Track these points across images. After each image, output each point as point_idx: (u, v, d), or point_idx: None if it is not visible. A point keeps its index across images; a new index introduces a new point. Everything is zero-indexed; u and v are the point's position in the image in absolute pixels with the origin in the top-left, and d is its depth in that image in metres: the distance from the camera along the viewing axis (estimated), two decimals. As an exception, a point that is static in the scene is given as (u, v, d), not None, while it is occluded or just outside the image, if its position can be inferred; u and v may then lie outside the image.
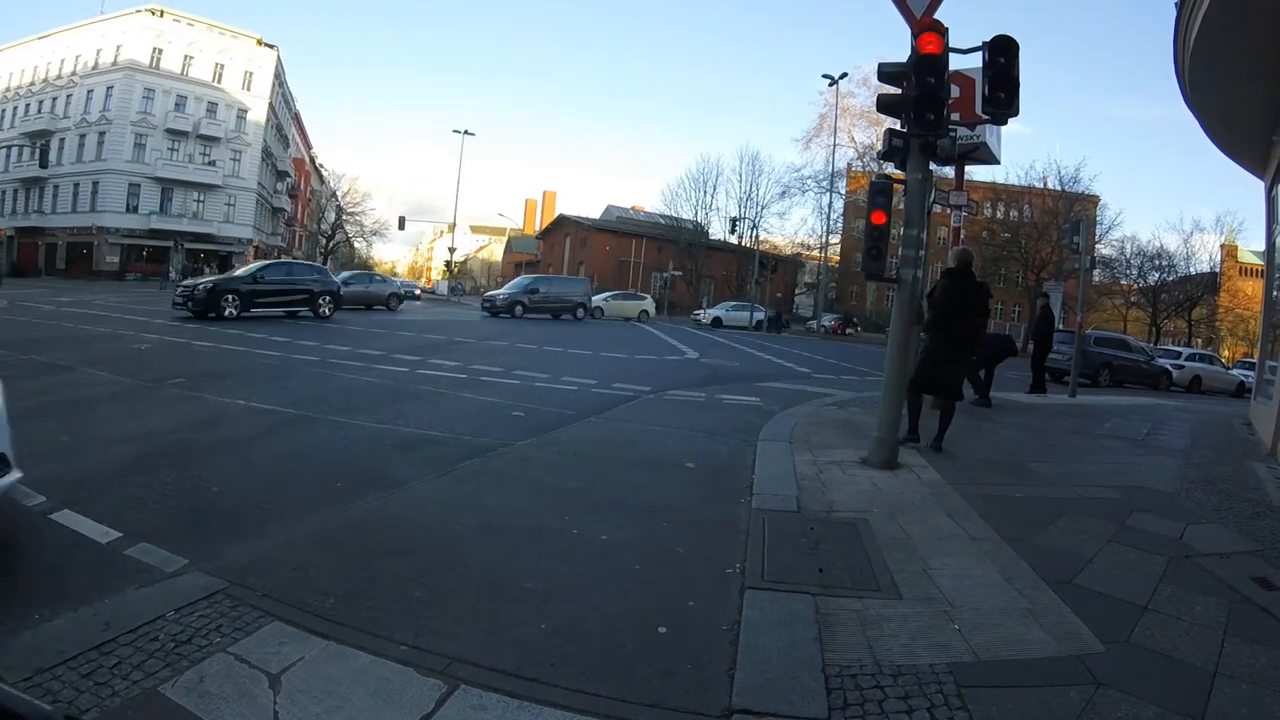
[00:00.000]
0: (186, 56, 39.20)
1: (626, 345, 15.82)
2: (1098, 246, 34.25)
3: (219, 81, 40.45)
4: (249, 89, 41.75)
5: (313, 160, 66.36)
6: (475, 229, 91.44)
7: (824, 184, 41.14)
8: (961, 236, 9.47)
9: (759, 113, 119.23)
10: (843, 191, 43.76)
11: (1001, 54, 4.52)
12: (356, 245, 66.30)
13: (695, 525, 3.57)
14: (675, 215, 47.87)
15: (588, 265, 48.01)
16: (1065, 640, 2.40)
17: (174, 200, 39.00)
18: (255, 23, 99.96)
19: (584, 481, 4.26)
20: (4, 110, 40.80)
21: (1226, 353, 37.78)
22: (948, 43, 4.48)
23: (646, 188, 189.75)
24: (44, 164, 35.88)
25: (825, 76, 35.35)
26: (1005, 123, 5.68)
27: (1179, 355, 21.08)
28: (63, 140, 38.23)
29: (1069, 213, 32.90)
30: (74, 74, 38.56)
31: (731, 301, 36.18)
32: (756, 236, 44.13)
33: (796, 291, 51.32)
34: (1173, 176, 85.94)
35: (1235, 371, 21.82)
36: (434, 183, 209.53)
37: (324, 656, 2.11)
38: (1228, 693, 2.10)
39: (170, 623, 2.24)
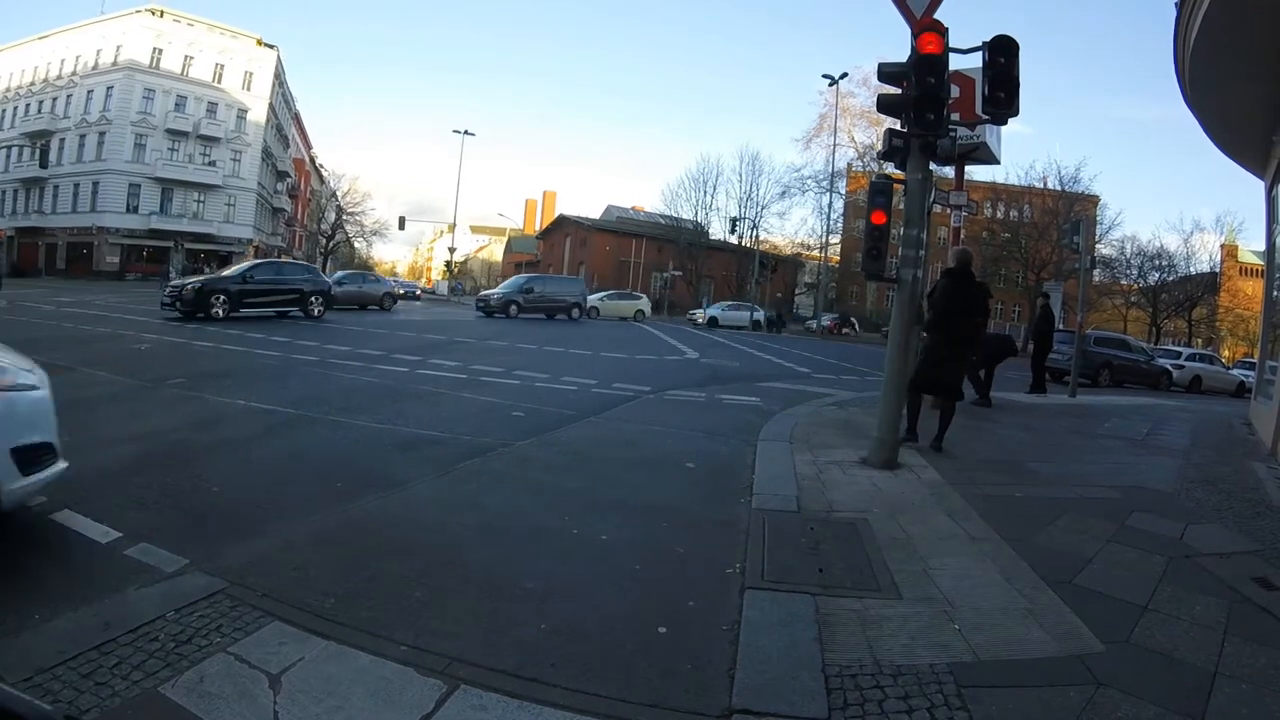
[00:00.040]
0: (186, 57, 39.22)
1: (626, 345, 15.82)
2: (1098, 246, 34.26)
3: (219, 82, 40.46)
4: (249, 89, 41.76)
5: (313, 160, 66.37)
6: (475, 229, 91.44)
7: (824, 184, 41.16)
8: (961, 236, 9.47)
9: (759, 113, 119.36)
10: (843, 191, 43.76)
11: (1001, 54, 4.52)
12: (356, 245, 66.29)
13: (695, 525, 3.57)
14: (675, 215, 47.89)
15: (588, 265, 48.02)
16: (1065, 640, 2.40)
17: (174, 200, 39.02)
18: (255, 23, 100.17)
19: (584, 481, 4.26)
20: (4, 110, 40.81)
21: (1226, 353, 37.78)
22: (948, 43, 4.48)
23: (646, 188, 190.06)
24: (44, 164, 35.88)
25: (825, 76, 35.33)
26: (1005, 123, 5.68)
27: (1179, 355, 21.07)
28: (63, 140, 38.24)
29: (1069, 213, 32.91)
30: (74, 74, 38.57)
31: (727, 301, 36.07)
32: (756, 236, 44.16)
33: (796, 291, 51.34)
34: (1173, 176, 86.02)
35: (1235, 371, 21.82)
36: (434, 183, 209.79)
37: (324, 656, 2.12)
38: (1228, 693, 2.10)
39: (170, 623, 2.24)
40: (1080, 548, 3.36)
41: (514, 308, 23.82)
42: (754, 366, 13.47)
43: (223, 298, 14.31)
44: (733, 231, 42.64)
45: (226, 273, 16.24)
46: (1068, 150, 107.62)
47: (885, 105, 4.87)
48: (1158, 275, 38.81)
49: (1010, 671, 2.19)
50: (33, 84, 40.29)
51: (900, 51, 4.76)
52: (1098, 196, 38.60)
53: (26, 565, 2.62)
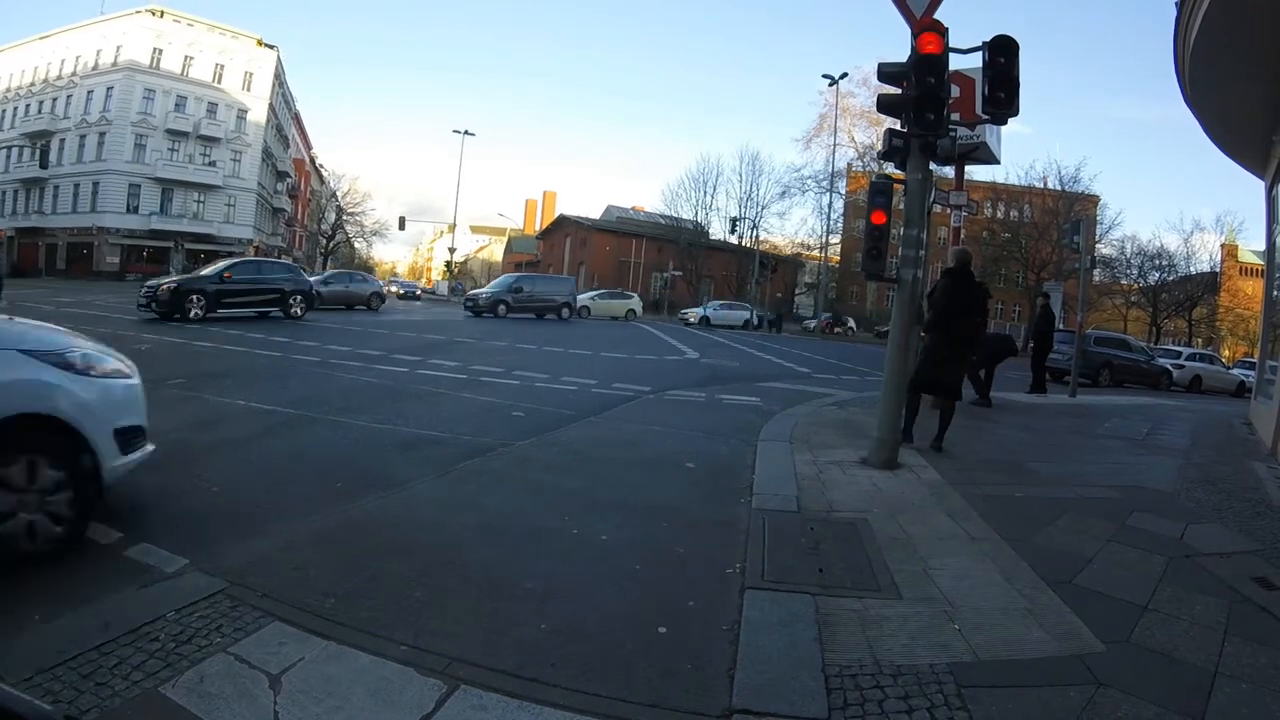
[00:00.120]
0: (186, 57, 39.22)
1: (626, 345, 15.83)
2: (1098, 246, 34.28)
3: (219, 82, 40.46)
4: (249, 89, 41.76)
5: (313, 160, 66.38)
6: (475, 229, 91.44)
7: (824, 184, 41.19)
8: (961, 236, 9.47)
9: (759, 113, 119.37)
10: (843, 191, 43.79)
11: (1001, 54, 4.52)
12: (356, 245, 66.34)
13: (695, 525, 3.57)
14: (675, 215, 47.92)
15: (588, 265, 48.04)
16: (1065, 640, 2.40)
17: (174, 201, 39.02)
18: (255, 23, 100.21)
19: (584, 481, 4.26)
20: (4, 111, 40.82)
21: (1227, 352, 37.78)
22: (948, 43, 4.48)
23: (646, 188, 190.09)
24: (44, 164, 35.86)
25: (825, 76, 35.36)
26: (1005, 123, 5.68)
27: (1179, 355, 21.07)
28: (63, 141, 38.25)
29: (1069, 212, 32.93)
30: (74, 74, 38.58)
31: (720, 300, 35.98)
32: (756, 236, 44.20)
33: (796, 291, 51.37)
34: (1173, 176, 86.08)
35: (1235, 371, 21.81)
36: (434, 183, 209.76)
37: (324, 657, 2.12)
38: (1228, 692, 2.10)
39: (170, 623, 2.24)
40: (1080, 548, 3.36)
41: (503, 308, 23.46)
42: (754, 366, 13.47)
43: (199, 298, 13.84)
44: (733, 231, 42.71)
45: (204, 272, 15.63)
46: (1068, 150, 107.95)
47: (885, 105, 4.87)
48: (1158, 275, 38.85)
49: (1010, 671, 2.19)
50: (33, 84, 40.30)
51: (900, 51, 4.77)
52: (1098, 196, 38.67)
53: (27, 565, 2.62)
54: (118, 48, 37.64)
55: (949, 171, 12.82)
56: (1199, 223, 46.16)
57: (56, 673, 1.93)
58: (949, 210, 9.09)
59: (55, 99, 39.06)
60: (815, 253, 45.63)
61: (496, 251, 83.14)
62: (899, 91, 4.69)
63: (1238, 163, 9.08)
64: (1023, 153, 71.31)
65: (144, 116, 37.94)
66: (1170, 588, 2.89)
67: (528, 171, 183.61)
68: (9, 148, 39.82)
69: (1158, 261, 38.89)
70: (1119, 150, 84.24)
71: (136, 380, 3.29)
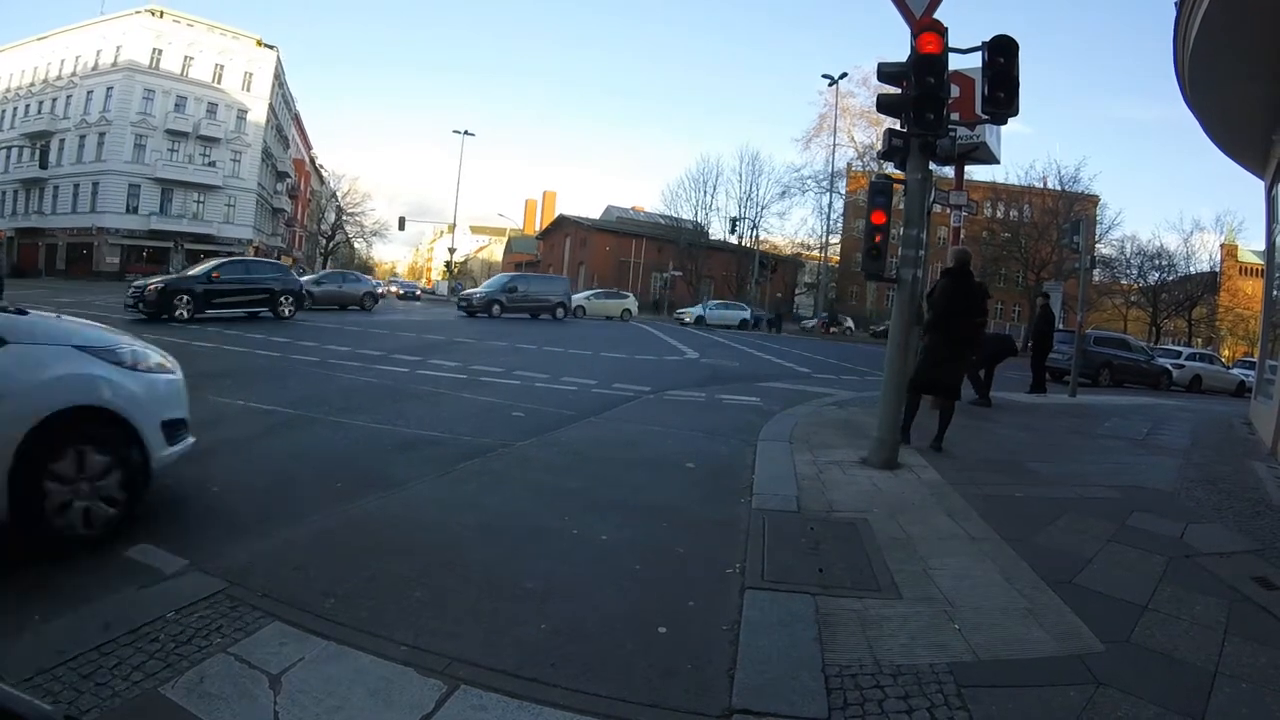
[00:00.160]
0: (186, 57, 39.21)
1: (626, 345, 15.83)
2: (1098, 246, 34.29)
3: (219, 82, 40.45)
4: (249, 90, 41.75)
5: (313, 161, 66.37)
6: (475, 229, 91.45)
7: (824, 184, 41.21)
8: (961, 236, 9.47)
9: (759, 113, 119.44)
10: (843, 191, 43.78)
11: (1001, 54, 4.52)
12: (356, 246, 66.31)
13: (695, 525, 3.57)
14: (675, 215, 47.93)
15: (588, 265, 48.04)
16: (1065, 640, 2.40)
17: (174, 201, 39.00)
18: (255, 23, 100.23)
19: (584, 482, 4.26)
20: (4, 111, 40.80)
21: (1226, 352, 37.79)
22: (947, 43, 4.48)
23: (646, 188, 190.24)
24: (44, 165, 35.85)
25: (825, 76, 35.41)
26: (1005, 122, 5.68)
27: (1179, 355, 21.07)
28: (63, 141, 38.23)
29: (1069, 212, 32.94)
30: (74, 75, 38.56)
31: (716, 300, 35.89)
32: (756, 236, 44.23)
33: (796, 291, 51.37)
34: (1173, 176, 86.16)
35: (1235, 371, 21.81)
36: (434, 183, 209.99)
37: (324, 657, 2.12)
38: (1228, 692, 2.10)
39: (170, 623, 2.24)
40: (1080, 547, 3.36)
41: (497, 308, 23.15)
42: (754, 366, 13.47)
43: (187, 298, 13.64)
44: (733, 231, 42.74)
45: (192, 272, 15.42)
46: (1068, 150, 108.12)
47: (885, 105, 4.87)
48: (1158, 275, 38.85)
49: (1010, 671, 2.19)
50: (32, 85, 40.29)
51: (900, 51, 4.77)
52: (1097, 196, 38.68)
53: (27, 565, 2.62)
54: (117, 48, 37.62)
55: (949, 171, 12.82)
56: (1199, 222, 46.18)
57: (56, 673, 1.93)
58: (949, 210, 9.09)
59: (55, 99, 39.04)
60: (815, 253, 45.64)
61: (496, 252, 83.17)
62: (899, 91, 4.69)
63: (1238, 163, 9.08)
64: (1022, 152, 71.29)
65: (144, 117, 37.93)
66: (1170, 587, 2.89)
67: (528, 171, 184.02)
68: (9, 148, 39.81)
69: (1157, 261, 38.92)
70: (1119, 150, 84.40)
71: (179, 375, 3.48)
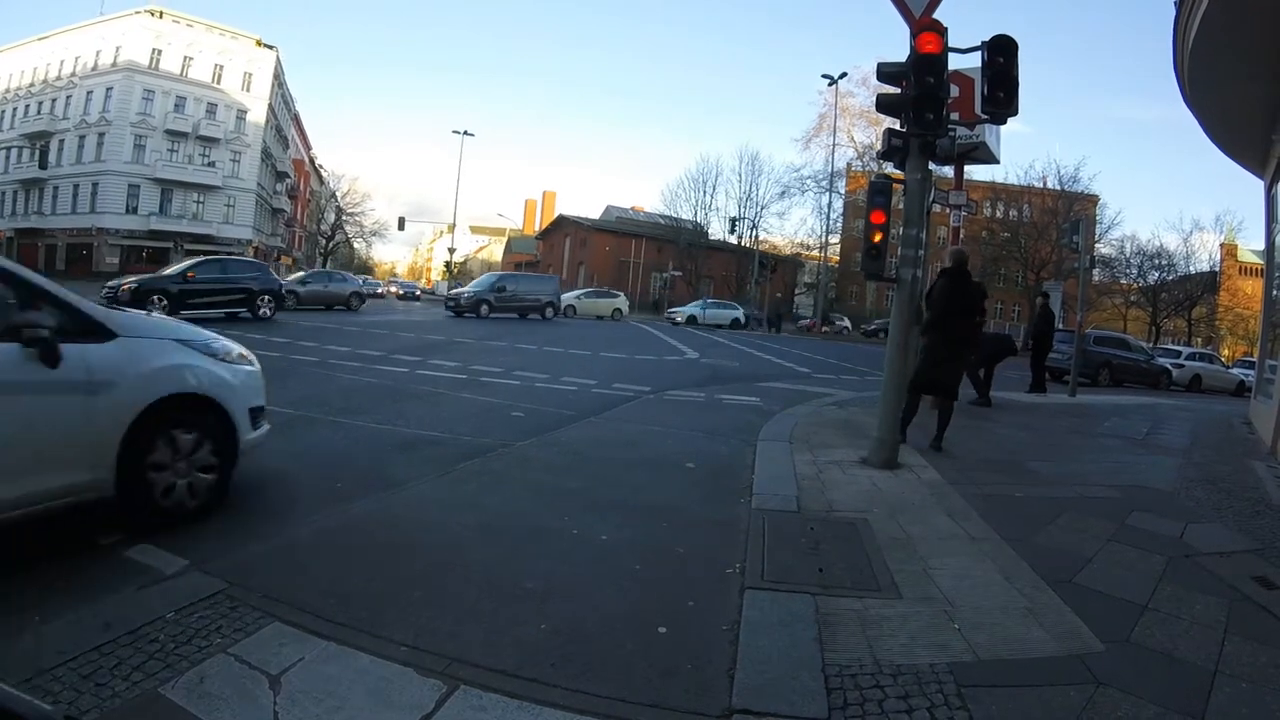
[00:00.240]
0: (186, 57, 39.20)
1: (625, 345, 15.83)
2: (1097, 246, 34.34)
3: (218, 82, 40.44)
4: (248, 90, 41.75)
5: (312, 161, 66.38)
6: (475, 229, 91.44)
7: (823, 184, 41.24)
8: (961, 236, 9.47)
9: (759, 113, 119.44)
10: (842, 191, 43.79)
11: (1000, 53, 4.52)
12: (356, 246, 66.35)
13: (695, 525, 3.57)
14: (675, 215, 47.96)
15: (587, 265, 48.05)
16: (1065, 640, 2.40)
17: (174, 201, 39.00)
18: (255, 23, 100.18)
19: (584, 481, 4.26)
20: (3, 111, 40.79)
21: (1226, 352, 37.81)
22: (947, 42, 4.48)
23: (646, 188, 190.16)
24: (44, 165, 35.90)
25: (825, 76, 35.39)
26: (1004, 122, 5.68)
27: (1179, 354, 21.08)
28: (62, 141, 38.24)
29: (1069, 212, 32.97)
30: (73, 75, 38.55)
31: (708, 299, 35.81)
32: (756, 236, 44.26)
33: (796, 291, 51.38)
34: (1172, 176, 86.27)
35: (1235, 370, 21.82)
36: (434, 183, 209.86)
37: (324, 657, 2.12)
38: (1228, 692, 2.10)
39: (170, 623, 2.24)
40: (1080, 547, 3.36)
41: (485, 307, 22.81)
42: (754, 366, 13.47)
43: (161, 298, 13.38)
44: (732, 231, 42.75)
45: (167, 271, 15.26)
46: (1067, 150, 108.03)
47: (884, 105, 4.87)
48: (1157, 274, 38.90)
49: (1010, 671, 2.19)
50: (32, 85, 40.28)
51: (900, 51, 4.77)
52: (1097, 196, 38.74)
53: (27, 566, 2.62)
54: (117, 48, 37.62)
55: (948, 171, 12.82)
56: (1198, 222, 46.11)
57: (56, 673, 1.93)
58: (948, 210, 9.08)
59: (54, 100, 39.03)
60: (815, 253, 45.65)
61: (496, 252, 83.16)
62: (898, 91, 4.69)
63: (1237, 162, 9.08)
64: (1022, 152, 71.18)
65: (143, 117, 37.93)
66: (1170, 587, 2.89)
67: (528, 171, 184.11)
68: (8, 148, 39.82)
69: (1157, 261, 38.98)
70: (1119, 150, 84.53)
71: (257, 367, 3.82)
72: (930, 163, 5.29)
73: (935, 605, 2.64)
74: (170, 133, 38.56)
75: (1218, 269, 40.87)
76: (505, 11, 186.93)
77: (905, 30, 4.67)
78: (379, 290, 46.87)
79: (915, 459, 5.11)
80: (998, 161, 9.39)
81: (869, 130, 39.37)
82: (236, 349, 3.70)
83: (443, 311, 24.13)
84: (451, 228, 47.56)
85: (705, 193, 49.86)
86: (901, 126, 4.74)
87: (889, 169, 5.99)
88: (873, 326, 36.55)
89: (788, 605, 2.59)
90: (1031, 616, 2.57)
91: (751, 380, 10.73)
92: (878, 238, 4.97)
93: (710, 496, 4.13)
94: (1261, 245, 12.60)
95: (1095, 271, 31.95)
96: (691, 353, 15.41)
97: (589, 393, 8.07)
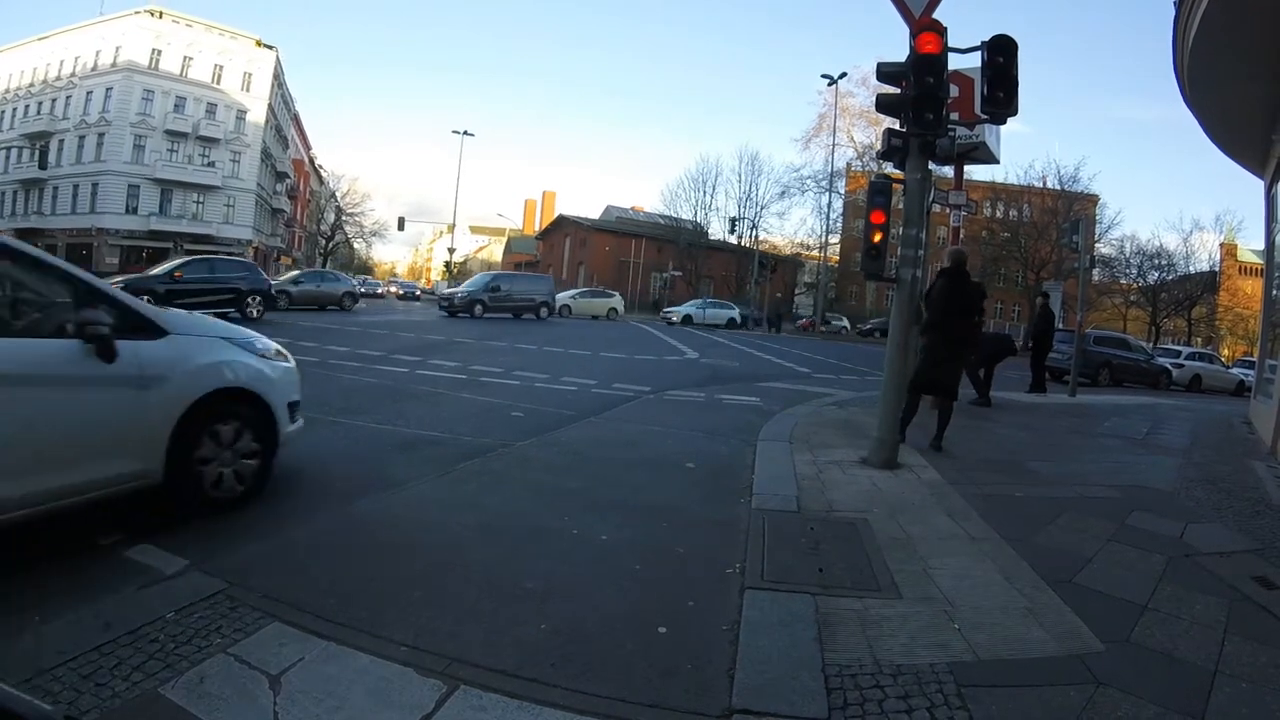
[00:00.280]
0: (185, 57, 39.20)
1: (625, 345, 15.83)
2: (1097, 246, 34.35)
3: (218, 82, 40.43)
4: (248, 90, 41.74)
5: (312, 161, 66.37)
6: (475, 229, 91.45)
7: (823, 184, 41.19)
8: (961, 236, 9.47)
9: (759, 113, 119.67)
10: (842, 191, 43.77)
11: (1000, 53, 4.52)
12: (356, 246, 66.34)
13: (695, 525, 3.57)
14: (675, 215, 47.98)
15: (587, 265, 48.06)
16: (1065, 639, 2.40)
17: (173, 201, 38.99)
18: (254, 23, 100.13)
19: (584, 481, 4.26)
20: (3, 111, 40.78)
21: (1226, 351, 37.82)
22: (946, 42, 4.48)
23: (646, 188, 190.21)
24: (43, 165, 35.86)
25: (825, 76, 35.32)
26: (1004, 122, 5.68)
27: (1179, 354, 21.08)
28: (62, 141, 38.22)
29: (1068, 212, 32.97)
30: (73, 75, 38.54)
31: (708, 299, 35.84)
32: (756, 236, 44.26)
33: (796, 291, 51.39)
34: (1172, 176, 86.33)
35: (1235, 370, 21.82)
36: (434, 183, 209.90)
37: (324, 657, 2.12)
38: (1228, 692, 2.10)
39: (170, 624, 2.24)
40: (1080, 547, 3.36)
41: (479, 307, 22.58)
42: (754, 366, 13.47)
43: (148, 299, 13.48)
44: (732, 231, 42.75)
45: (154, 271, 14.96)
46: (1067, 150, 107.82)
47: (884, 105, 4.87)
48: (1157, 274, 38.90)
49: (1010, 671, 2.19)
50: (32, 85, 40.27)
51: (900, 51, 4.77)
52: (1097, 196, 38.73)
53: (27, 566, 2.62)
54: (116, 48, 37.61)
55: (948, 171, 12.83)
56: (1198, 222, 46.05)
57: (56, 673, 1.93)
58: (948, 210, 9.08)
59: (54, 100, 39.03)
60: (815, 253, 45.66)
61: (496, 252, 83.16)
62: (898, 91, 4.69)
63: (1237, 162, 9.08)
64: (1022, 152, 71.15)
65: (143, 117, 37.92)
66: (1170, 587, 2.89)
67: (527, 171, 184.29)
68: (8, 148, 39.79)
69: (1157, 261, 38.98)
70: (1118, 150, 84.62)
71: (293, 364, 4.02)
72: (930, 163, 5.29)
73: (935, 605, 2.64)
74: (170, 133, 38.55)
75: (1217, 269, 40.87)
76: (505, 11, 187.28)
77: (905, 30, 4.67)
78: (379, 290, 46.90)
79: (915, 459, 5.11)
80: (997, 161, 9.40)
81: (869, 130, 39.37)
82: (274, 346, 3.89)
83: (440, 312, 24.05)
84: (451, 228, 47.58)
85: (705, 193, 50.00)
86: (901, 126, 4.74)
87: (889, 169, 5.99)
88: (868, 326, 36.61)
89: (788, 605, 2.59)
90: (1031, 616, 2.57)
91: (751, 380, 10.73)
92: (878, 238, 4.97)
93: (710, 496, 4.13)
94: (1261, 245, 12.61)
95: (1095, 271, 31.96)
96: (691, 353, 15.41)
97: (589, 393, 8.07)
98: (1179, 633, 2.48)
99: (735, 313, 32.13)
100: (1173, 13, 6.33)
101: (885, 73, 4.74)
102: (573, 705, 1.96)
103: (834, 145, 39.25)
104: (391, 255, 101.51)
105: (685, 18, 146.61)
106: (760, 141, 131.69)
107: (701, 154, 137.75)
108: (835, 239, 44.23)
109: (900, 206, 4.99)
